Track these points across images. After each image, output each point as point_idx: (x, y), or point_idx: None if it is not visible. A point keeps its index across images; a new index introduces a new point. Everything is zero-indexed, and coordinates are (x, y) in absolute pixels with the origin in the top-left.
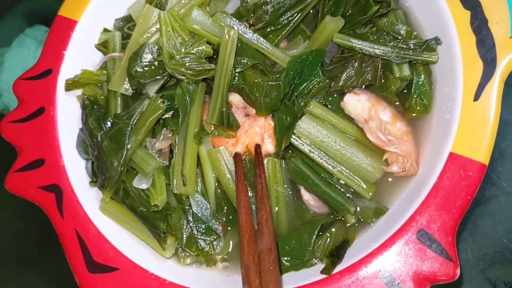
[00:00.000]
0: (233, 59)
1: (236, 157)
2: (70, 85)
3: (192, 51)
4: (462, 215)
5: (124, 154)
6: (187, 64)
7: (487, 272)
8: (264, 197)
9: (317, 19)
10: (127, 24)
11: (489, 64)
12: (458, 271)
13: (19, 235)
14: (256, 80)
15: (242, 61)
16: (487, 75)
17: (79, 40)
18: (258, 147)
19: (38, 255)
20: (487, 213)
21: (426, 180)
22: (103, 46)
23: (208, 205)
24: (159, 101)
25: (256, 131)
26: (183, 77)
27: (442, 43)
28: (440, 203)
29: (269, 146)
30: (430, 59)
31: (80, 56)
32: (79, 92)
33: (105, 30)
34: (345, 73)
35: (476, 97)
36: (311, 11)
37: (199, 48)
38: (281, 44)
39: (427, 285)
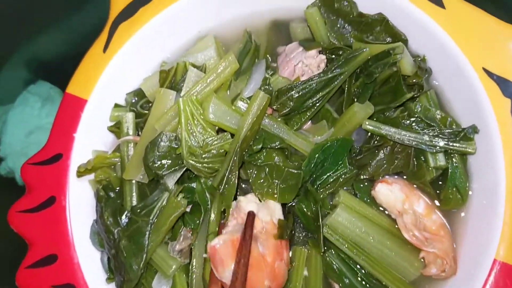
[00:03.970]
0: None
1: (249, 217)
2: (83, 173)
3: (213, 148)
4: None
5: (144, 256)
6: (206, 161)
7: None
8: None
9: (343, 97)
10: (139, 100)
11: None
12: None
13: None
14: (277, 163)
15: (266, 141)
16: None
17: (89, 121)
18: (251, 215)
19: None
20: None
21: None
22: (116, 127)
23: None
24: (180, 197)
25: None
26: (200, 173)
27: (480, 132)
28: None
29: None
30: (468, 150)
31: (92, 137)
32: (91, 175)
33: (116, 105)
34: (375, 160)
35: None
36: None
37: (221, 144)
38: (305, 126)
39: None
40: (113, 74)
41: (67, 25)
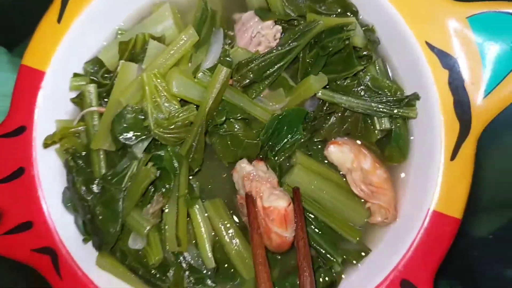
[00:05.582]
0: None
1: (248, 199)
2: (49, 144)
3: (179, 119)
4: (439, 264)
5: (120, 221)
6: (172, 131)
7: None
8: (307, 257)
9: (298, 65)
10: (100, 69)
11: (465, 124)
12: None
13: None
14: (238, 132)
15: (229, 113)
16: (463, 135)
17: (49, 92)
18: (297, 190)
19: None
20: None
21: (407, 232)
22: (78, 98)
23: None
24: (149, 165)
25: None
26: (167, 142)
27: (421, 99)
28: (420, 255)
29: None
30: (410, 115)
31: (53, 108)
32: (57, 145)
33: (76, 75)
34: (327, 125)
35: (453, 157)
36: None
37: (186, 116)
38: (263, 93)
39: None
40: (69, 45)
41: None
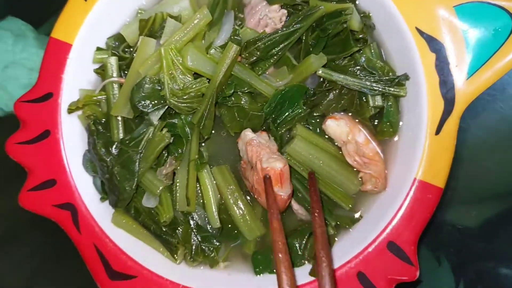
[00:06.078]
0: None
1: (266, 182)
2: (73, 110)
3: (192, 90)
4: (423, 229)
5: (136, 180)
6: (186, 101)
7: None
8: (325, 246)
9: (301, 46)
10: (120, 44)
11: (449, 102)
12: (417, 273)
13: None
14: (244, 105)
15: (237, 86)
16: (447, 112)
17: (75, 63)
18: (312, 174)
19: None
20: None
21: (394, 199)
22: (101, 70)
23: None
24: (164, 131)
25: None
26: (181, 111)
27: (411, 79)
28: (405, 220)
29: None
30: (400, 94)
31: (78, 77)
32: (79, 111)
33: (99, 48)
34: (326, 100)
35: (438, 131)
36: None
37: (199, 88)
38: (269, 71)
39: (394, 284)
40: (94, 21)
41: None
